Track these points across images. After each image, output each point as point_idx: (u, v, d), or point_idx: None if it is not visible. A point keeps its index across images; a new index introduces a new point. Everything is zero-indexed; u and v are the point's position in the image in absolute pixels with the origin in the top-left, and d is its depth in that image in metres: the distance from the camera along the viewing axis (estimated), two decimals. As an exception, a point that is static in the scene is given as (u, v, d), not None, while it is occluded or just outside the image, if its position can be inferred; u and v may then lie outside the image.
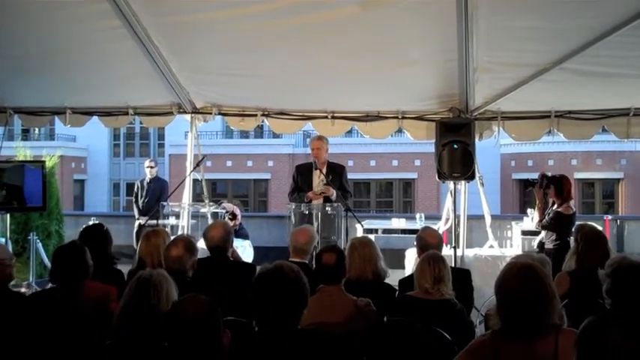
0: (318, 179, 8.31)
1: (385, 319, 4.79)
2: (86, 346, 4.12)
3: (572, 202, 7.67)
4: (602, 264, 3.90)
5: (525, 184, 8.18)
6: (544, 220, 7.70)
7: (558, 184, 7.71)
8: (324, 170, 8.26)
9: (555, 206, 7.69)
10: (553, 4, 5.93)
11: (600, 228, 6.24)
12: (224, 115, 9.09)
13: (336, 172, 8.39)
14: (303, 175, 8.53)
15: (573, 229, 5.78)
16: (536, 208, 7.96)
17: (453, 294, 4.88)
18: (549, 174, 7.95)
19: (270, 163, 31.87)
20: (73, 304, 4.58)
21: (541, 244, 7.72)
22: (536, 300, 3.25)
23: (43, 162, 10.11)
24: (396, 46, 6.97)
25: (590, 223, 6.30)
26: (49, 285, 5.20)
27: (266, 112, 8.83)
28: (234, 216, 9.97)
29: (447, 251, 7.76)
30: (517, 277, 3.36)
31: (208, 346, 3.07)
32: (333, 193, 8.02)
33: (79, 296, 4.68)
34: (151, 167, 12.17)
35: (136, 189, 12.17)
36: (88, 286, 4.82)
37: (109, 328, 3.89)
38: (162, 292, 3.79)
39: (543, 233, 7.80)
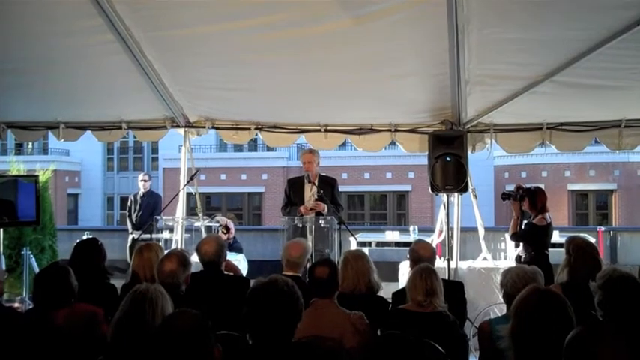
0: (310, 192, 8.32)
1: (379, 332, 4.78)
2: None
3: (547, 215, 7.64)
4: (594, 276, 3.91)
5: (502, 196, 8.17)
6: (518, 232, 7.73)
7: (532, 197, 7.70)
8: (316, 183, 8.27)
9: (531, 218, 7.70)
10: (543, 16, 5.95)
11: (593, 239, 6.27)
12: (217, 129, 9.09)
13: (327, 185, 8.40)
14: (295, 189, 8.53)
15: (564, 241, 5.77)
16: (512, 219, 7.95)
17: (446, 306, 4.86)
18: (525, 186, 7.96)
19: (264, 177, 31.86)
20: (58, 327, 4.51)
21: (518, 257, 7.70)
22: (562, 331, 3.15)
23: (37, 176, 10.08)
24: (389, 59, 6.99)
25: (581, 235, 6.32)
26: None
27: (259, 126, 8.84)
28: (227, 229, 9.96)
29: (440, 263, 7.78)
30: (542, 303, 3.26)
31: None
32: (324, 208, 8.04)
33: (63, 320, 4.59)
34: (145, 181, 12.17)
35: (129, 203, 12.16)
36: (73, 309, 4.75)
37: (102, 345, 3.88)
38: (158, 307, 3.78)
39: (521, 246, 7.80)
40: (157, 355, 3.07)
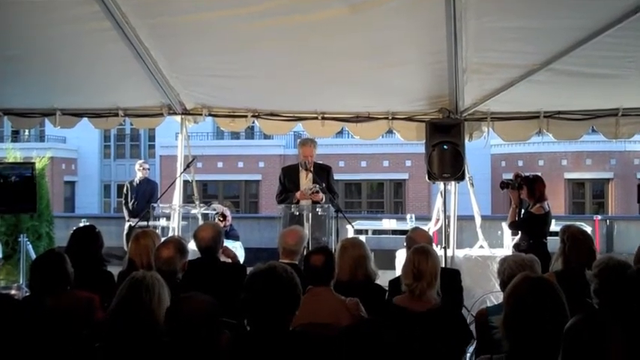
0: (305, 179, 8.31)
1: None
2: (72, 352, 4.10)
3: (546, 203, 7.64)
4: (589, 264, 3.93)
5: (500, 185, 8.17)
6: (516, 221, 7.74)
7: (530, 185, 7.70)
8: (312, 170, 8.25)
9: (529, 207, 7.71)
10: (540, 5, 5.96)
11: (589, 228, 6.29)
12: (214, 116, 9.07)
13: (323, 172, 8.40)
14: (290, 176, 8.51)
15: (559, 230, 5.78)
16: (510, 208, 7.95)
17: (438, 299, 4.66)
18: (523, 174, 7.96)
19: (261, 164, 31.87)
20: (54, 314, 4.51)
21: (517, 245, 7.71)
22: (554, 318, 3.12)
23: (33, 164, 10.07)
24: (386, 47, 6.98)
25: (575, 223, 6.33)
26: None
27: (256, 113, 8.82)
28: (224, 217, 9.95)
29: (437, 251, 7.77)
30: (533, 290, 3.22)
31: (208, 344, 3.09)
32: (322, 198, 8.03)
33: (59, 306, 4.59)
34: (145, 168, 12.16)
35: (125, 190, 12.15)
36: (69, 295, 4.76)
37: (98, 332, 3.89)
38: (155, 294, 3.79)
39: (519, 234, 7.81)
40: (168, 335, 3.09)
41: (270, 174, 29.59)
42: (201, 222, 8.66)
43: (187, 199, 9.57)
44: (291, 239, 5.87)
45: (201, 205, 9.36)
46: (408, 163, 29.95)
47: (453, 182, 8.31)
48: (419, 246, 4.95)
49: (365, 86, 7.93)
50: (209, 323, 3.15)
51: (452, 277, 6.01)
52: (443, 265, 7.37)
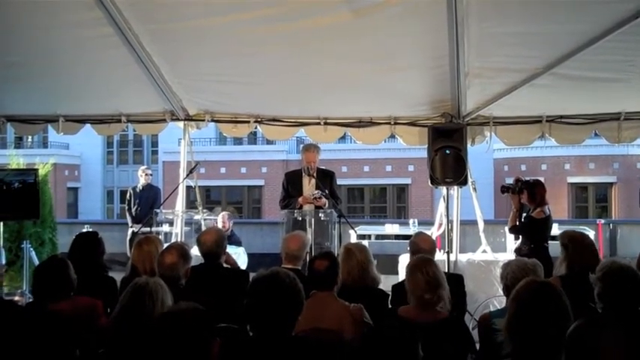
0: (309, 185, 8.31)
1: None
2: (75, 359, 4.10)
3: (546, 207, 7.64)
4: (592, 268, 3.92)
5: (501, 189, 8.16)
6: (517, 225, 7.73)
7: (531, 189, 7.69)
8: (315, 175, 8.25)
9: (530, 211, 7.70)
10: (542, 10, 5.97)
11: (592, 232, 6.26)
12: (217, 122, 9.08)
13: (326, 177, 8.40)
14: (293, 182, 8.50)
15: (559, 236, 5.76)
16: (511, 212, 7.94)
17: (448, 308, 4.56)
18: (524, 178, 7.95)
19: (264, 170, 31.86)
20: (57, 320, 4.51)
21: (518, 249, 7.70)
22: (557, 323, 3.12)
23: (36, 170, 10.08)
24: (388, 52, 6.99)
25: (575, 228, 6.32)
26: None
27: (259, 119, 8.82)
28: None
29: (440, 256, 7.77)
30: (537, 294, 3.23)
31: (197, 354, 3.07)
32: (325, 203, 8.03)
33: (62, 312, 4.59)
34: (147, 174, 12.18)
35: (128, 196, 12.16)
36: (73, 301, 4.75)
37: (102, 338, 3.89)
38: (158, 300, 3.80)
39: (520, 238, 7.80)
40: (155, 347, 3.08)
41: (273, 179, 29.61)
42: (204, 228, 8.67)
43: (190, 204, 9.57)
44: (293, 244, 5.87)
45: (204, 210, 9.37)
46: (411, 167, 29.93)
47: (455, 187, 8.29)
48: (421, 259, 4.84)
49: (367, 91, 7.93)
50: (199, 333, 3.12)
51: (455, 282, 5.99)
52: (446, 270, 7.39)
